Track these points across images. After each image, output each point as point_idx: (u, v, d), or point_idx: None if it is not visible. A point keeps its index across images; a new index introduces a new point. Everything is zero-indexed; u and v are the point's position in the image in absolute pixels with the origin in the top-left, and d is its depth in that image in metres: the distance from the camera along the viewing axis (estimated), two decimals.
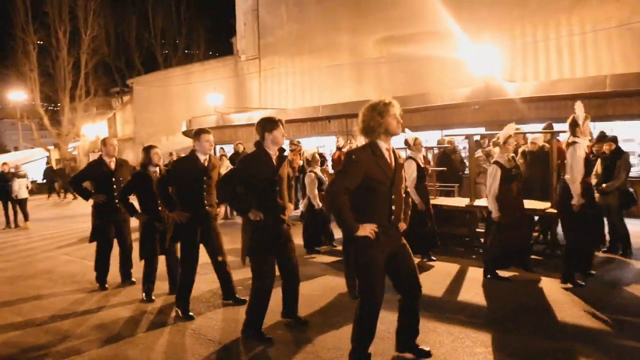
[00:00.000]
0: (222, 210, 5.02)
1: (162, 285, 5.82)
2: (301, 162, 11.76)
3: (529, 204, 7.17)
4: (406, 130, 7.02)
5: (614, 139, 7.17)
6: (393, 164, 3.45)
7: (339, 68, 19.20)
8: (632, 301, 5.05)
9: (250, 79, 22.97)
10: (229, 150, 14.80)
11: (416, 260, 4.29)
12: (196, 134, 4.95)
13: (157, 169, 5.62)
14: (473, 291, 5.57)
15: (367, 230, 3.31)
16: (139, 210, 5.64)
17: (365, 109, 3.45)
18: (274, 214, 4.26)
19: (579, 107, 5.42)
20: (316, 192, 7.89)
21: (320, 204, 7.85)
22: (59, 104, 33.99)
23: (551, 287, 5.55)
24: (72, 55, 30.14)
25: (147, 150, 5.62)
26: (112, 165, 6.16)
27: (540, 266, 6.45)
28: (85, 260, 7.72)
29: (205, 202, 4.93)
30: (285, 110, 18.37)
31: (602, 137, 7.35)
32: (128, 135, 29.91)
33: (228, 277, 5.27)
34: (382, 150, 3.41)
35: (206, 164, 4.93)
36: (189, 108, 23.98)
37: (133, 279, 6.28)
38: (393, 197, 3.44)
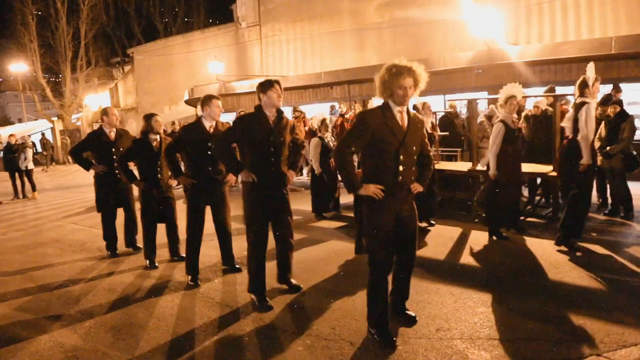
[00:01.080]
0: (231, 176, 5.04)
1: (165, 253, 5.94)
2: (306, 129, 11.79)
3: (532, 167, 7.23)
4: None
5: (619, 102, 7.14)
6: (405, 125, 3.43)
7: (340, 34, 18.97)
8: (632, 263, 5.12)
9: (251, 46, 22.75)
10: (231, 119, 14.77)
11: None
12: (205, 99, 4.96)
13: (158, 136, 5.67)
14: (475, 254, 5.66)
15: (370, 190, 3.37)
16: (138, 178, 5.72)
17: (383, 69, 3.40)
18: (268, 177, 4.24)
19: (591, 68, 5.37)
20: (318, 156, 7.90)
21: (320, 170, 7.88)
22: (60, 75, 33.80)
23: (552, 249, 5.63)
24: (71, 26, 29.87)
25: (149, 117, 5.66)
26: (113, 135, 6.14)
27: (541, 229, 6.53)
28: (93, 229, 7.85)
29: (211, 168, 4.98)
30: (287, 78, 18.25)
31: (607, 100, 7.32)
32: (130, 105, 29.85)
33: (228, 244, 5.36)
34: (394, 111, 3.40)
35: (212, 130, 4.95)
36: (191, 76, 23.85)
37: (139, 245, 6.39)
38: (402, 157, 3.41)
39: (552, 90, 8.09)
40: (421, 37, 16.10)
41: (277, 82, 4.25)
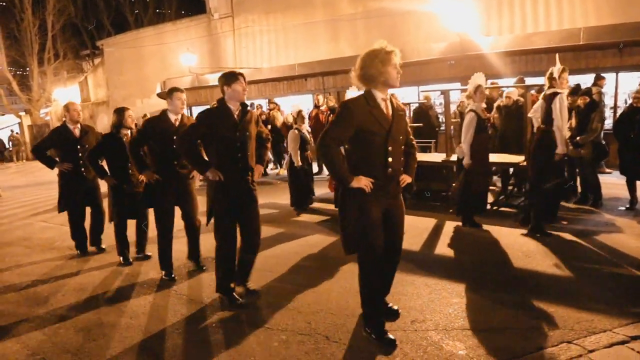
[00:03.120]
0: (196, 173, 4.95)
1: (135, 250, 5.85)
2: (282, 120, 11.74)
3: (504, 157, 7.31)
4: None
5: (588, 92, 7.26)
6: (390, 114, 3.31)
7: (314, 25, 18.87)
8: (601, 250, 5.23)
9: (224, 37, 22.46)
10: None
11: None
12: (169, 92, 4.87)
13: (129, 132, 5.55)
14: (450, 244, 5.71)
15: (362, 182, 3.22)
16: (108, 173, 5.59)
17: (365, 55, 3.24)
18: (236, 173, 4.11)
19: (557, 60, 5.49)
20: (297, 149, 7.82)
21: (300, 163, 7.84)
22: (27, 68, 32.86)
23: (524, 239, 5.72)
24: (37, 17, 28.93)
25: (120, 112, 5.53)
26: (77, 132, 5.93)
27: (514, 218, 6.62)
28: (63, 227, 7.63)
29: (176, 162, 4.85)
30: (260, 70, 18.09)
31: (577, 90, 7.43)
32: (101, 99, 29.20)
33: (196, 241, 5.25)
34: (378, 100, 3.26)
35: (177, 123, 4.84)
36: (163, 69, 23.43)
37: (103, 246, 6.24)
38: (390, 148, 3.29)
39: (521, 81, 8.20)
40: (395, 29, 16.11)
41: (242, 74, 4.10)
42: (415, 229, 6.40)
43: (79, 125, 5.98)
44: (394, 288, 4.34)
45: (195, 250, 5.30)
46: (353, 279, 4.57)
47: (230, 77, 4.08)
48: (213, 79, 18.73)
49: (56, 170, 6.00)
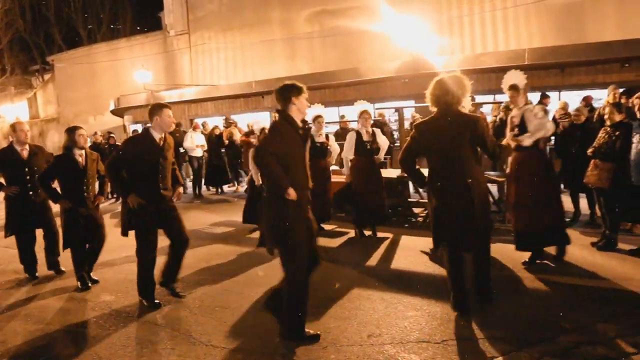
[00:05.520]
0: (180, 190, 4.97)
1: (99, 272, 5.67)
2: (239, 137, 11.72)
3: None
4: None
5: None
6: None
7: (271, 43, 19.02)
8: (548, 260, 5.42)
9: (180, 54, 22.32)
10: None
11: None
12: (155, 108, 4.54)
13: (83, 151, 5.32)
14: (406, 259, 5.82)
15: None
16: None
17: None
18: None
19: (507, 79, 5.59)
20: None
21: (260, 181, 7.71)
22: None
23: None
24: None
25: (71, 131, 5.29)
26: (25, 154, 5.61)
27: None
28: (9, 249, 7.32)
29: (161, 185, 4.59)
30: (217, 87, 18.05)
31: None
32: (51, 116, 28.38)
33: (179, 263, 4.88)
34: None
35: (162, 143, 4.58)
36: (117, 86, 23.02)
37: (62, 268, 5.92)
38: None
39: (471, 99, 8.49)
40: (350, 47, 16.44)
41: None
42: (372, 244, 6.49)
43: (27, 147, 5.67)
44: (351, 303, 4.42)
45: (176, 272, 4.90)
46: (310, 295, 4.61)
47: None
48: (169, 95, 18.55)
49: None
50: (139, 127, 17.58)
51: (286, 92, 3.66)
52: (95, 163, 5.47)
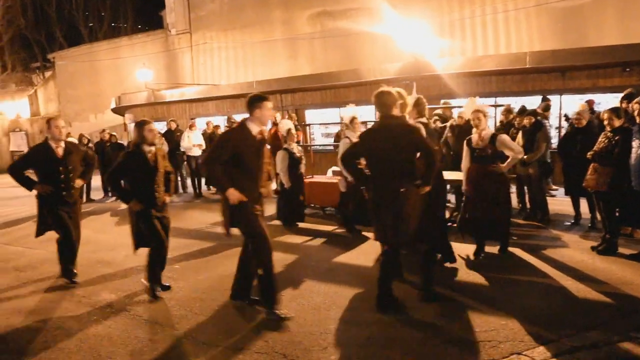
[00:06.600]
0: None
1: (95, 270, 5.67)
2: None
3: (457, 175, 7.54)
4: (349, 105, 7.22)
5: (533, 113, 7.61)
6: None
7: (272, 43, 19.04)
8: (548, 264, 5.44)
9: (181, 53, 22.35)
10: (162, 128, 14.43)
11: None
12: (256, 100, 4.41)
13: (153, 148, 4.96)
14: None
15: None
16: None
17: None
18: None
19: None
20: (286, 169, 7.63)
21: (290, 183, 7.66)
22: None
23: (470, 253, 5.89)
24: None
25: (140, 126, 4.93)
26: (60, 151, 5.32)
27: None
28: (9, 246, 7.35)
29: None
30: (218, 87, 18.06)
31: (523, 111, 7.79)
32: (53, 113, 28.30)
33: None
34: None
35: (259, 137, 4.37)
36: (118, 84, 23.04)
37: (76, 280, 5.57)
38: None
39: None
40: (351, 48, 16.46)
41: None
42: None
43: (62, 144, 5.39)
44: (351, 304, 4.41)
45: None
46: (311, 297, 4.64)
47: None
48: (170, 94, 18.55)
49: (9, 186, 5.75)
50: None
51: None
52: (164, 160, 5.16)
